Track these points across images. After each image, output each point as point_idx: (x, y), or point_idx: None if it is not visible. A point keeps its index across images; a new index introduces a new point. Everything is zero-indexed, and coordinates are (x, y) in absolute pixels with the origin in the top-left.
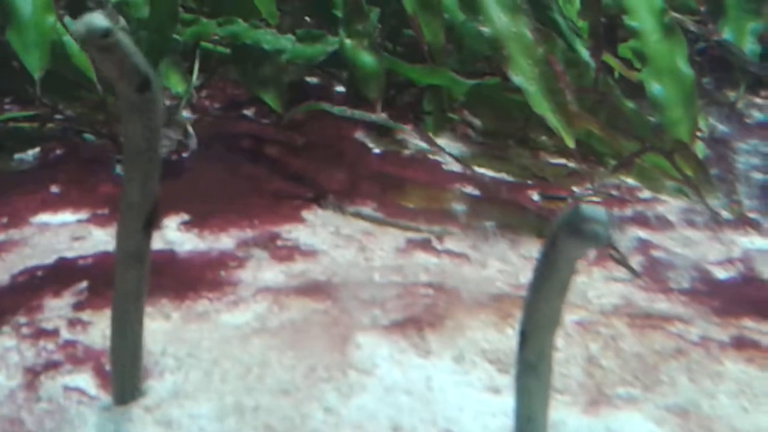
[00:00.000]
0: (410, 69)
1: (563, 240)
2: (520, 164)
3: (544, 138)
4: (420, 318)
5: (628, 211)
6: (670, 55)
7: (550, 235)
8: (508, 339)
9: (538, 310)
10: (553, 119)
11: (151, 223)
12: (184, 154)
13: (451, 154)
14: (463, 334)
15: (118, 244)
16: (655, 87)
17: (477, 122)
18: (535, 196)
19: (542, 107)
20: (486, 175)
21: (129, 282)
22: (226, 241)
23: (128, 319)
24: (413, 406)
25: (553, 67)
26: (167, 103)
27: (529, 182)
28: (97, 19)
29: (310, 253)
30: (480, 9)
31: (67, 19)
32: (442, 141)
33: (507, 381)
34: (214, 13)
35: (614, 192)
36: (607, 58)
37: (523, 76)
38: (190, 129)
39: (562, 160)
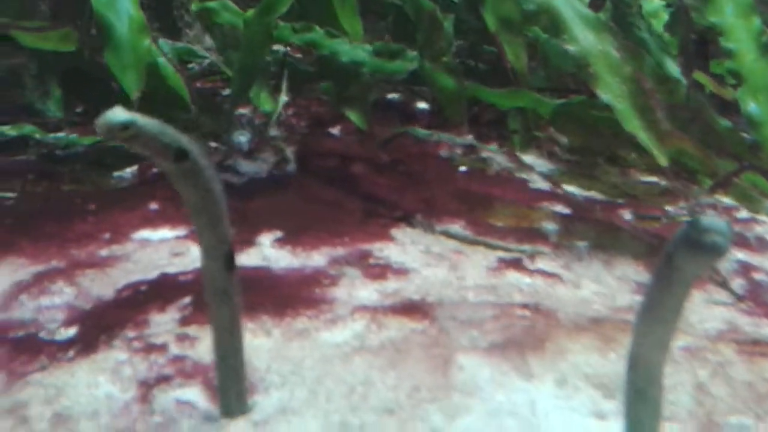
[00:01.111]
0: (493, 94)
1: (681, 255)
2: (610, 182)
3: (633, 156)
4: (520, 340)
5: None
6: (766, 74)
7: (665, 252)
8: (612, 364)
9: (650, 333)
10: (644, 137)
11: (231, 262)
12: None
13: (539, 172)
14: (564, 358)
15: (205, 283)
16: (750, 105)
17: (563, 140)
18: (628, 215)
19: (632, 125)
20: (576, 194)
21: (222, 315)
22: (317, 258)
23: (228, 342)
24: (518, 429)
25: (641, 84)
26: (256, 122)
27: (620, 201)
28: (117, 114)
29: (402, 272)
30: (564, 29)
31: (161, 41)
32: (528, 158)
33: (612, 407)
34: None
35: (710, 212)
36: (698, 74)
37: (611, 93)
38: (290, 154)
39: (653, 179)
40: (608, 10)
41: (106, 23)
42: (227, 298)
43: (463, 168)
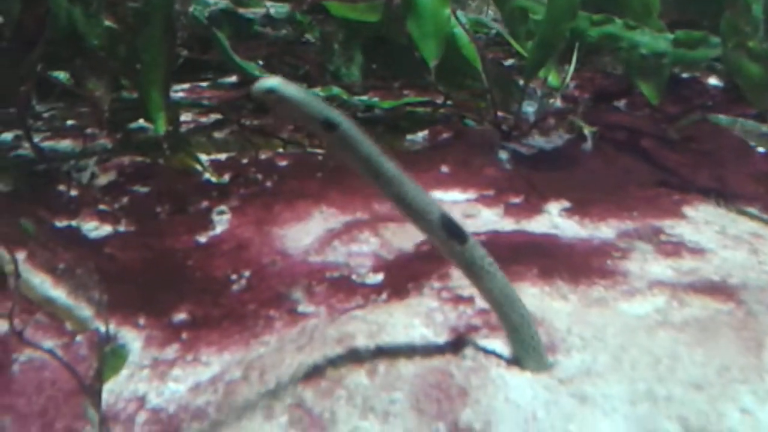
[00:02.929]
0: None
1: None
2: None
3: None
4: None
5: None
6: None
7: None
8: None
9: None
10: None
11: (452, 230)
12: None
13: None
14: None
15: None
16: None
17: None
18: None
19: None
20: None
21: (466, 260)
22: (605, 230)
23: (488, 283)
24: None
25: None
26: (539, 93)
27: None
28: (266, 80)
29: (697, 251)
30: None
31: (458, 12)
32: None
33: None
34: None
35: None
36: None
37: None
38: (588, 133)
39: None
40: None
41: None
42: (477, 267)
43: (761, 149)
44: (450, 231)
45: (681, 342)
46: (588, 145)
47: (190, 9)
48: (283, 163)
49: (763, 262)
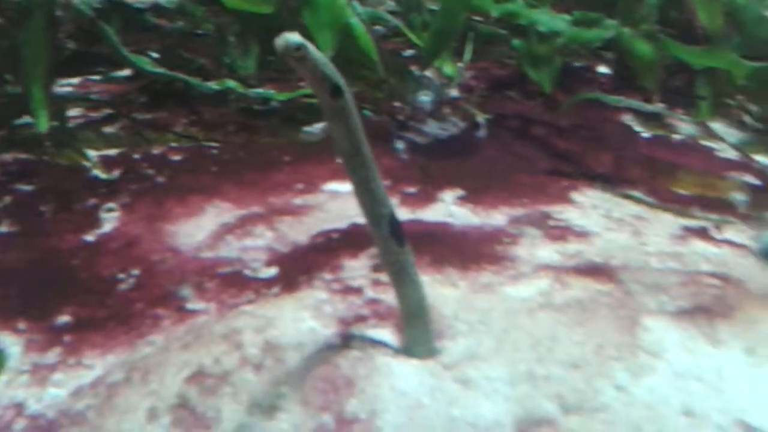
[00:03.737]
0: (688, 51)
1: None
2: None
3: None
4: (709, 308)
5: None
6: None
7: None
8: None
9: None
10: None
11: (396, 230)
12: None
13: (728, 142)
14: (755, 328)
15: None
16: None
17: (754, 108)
18: None
19: None
20: (766, 165)
21: (397, 262)
22: (498, 217)
23: (403, 287)
24: (705, 394)
25: None
26: (437, 83)
27: None
28: (293, 36)
29: (583, 234)
30: None
31: (354, 2)
32: (716, 127)
33: None
34: None
35: None
36: None
37: None
38: (481, 120)
39: None
40: None
41: None
42: (402, 269)
43: (646, 134)
44: (394, 230)
45: (561, 323)
46: (481, 132)
47: (74, 1)
48: (177, 157)
49: (644, 243)
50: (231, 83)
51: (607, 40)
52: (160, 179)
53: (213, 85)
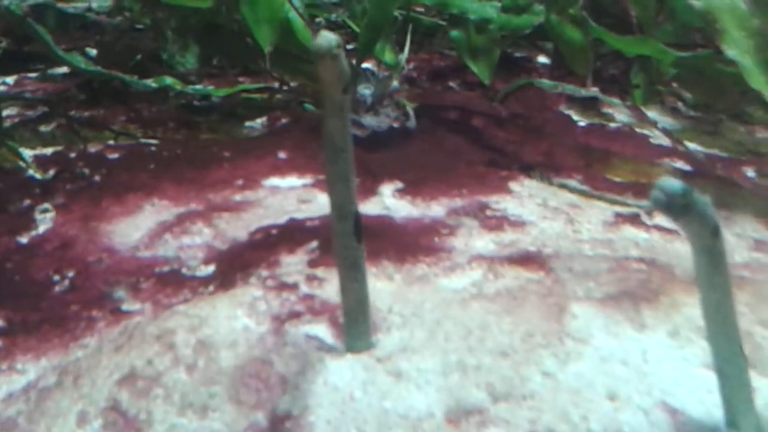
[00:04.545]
0: (619, 40)
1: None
2: (734, 140)
3: (760, 113)
4: (635, 293)
5: None
6: None
7: None
8: None
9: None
10: None
11: (358, 228)
12: (398, 127)
13: (661, 128)
14: (679, 311)
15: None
16: None
17: (687, 95)
18: (751, 173)
19: (759, 81)
20: (697, 151)
21: (353, 258)
22: (436, 209)
23: (352, 282)
24: (629, 377)
25: None
26: (379, 75)
27: (743, 158)
28: (330, 37)
29: (518, 224)
30: None
31: None
32: (650, 114)
33: None
34: None
35: None
36: None
37: (737, 49)
38: (410, 110)
39: None
40: None
41: None
42: (355, 265)
43: (582, 123)
44: (357, 228)
45: (492, 312)
46: (412, 122)
47: (4, 2)
48: (114, 155)
49: (577, 230)
50: (169, 80)
51: (544, 30)
52: (97, 178)
53: (150, 82)
